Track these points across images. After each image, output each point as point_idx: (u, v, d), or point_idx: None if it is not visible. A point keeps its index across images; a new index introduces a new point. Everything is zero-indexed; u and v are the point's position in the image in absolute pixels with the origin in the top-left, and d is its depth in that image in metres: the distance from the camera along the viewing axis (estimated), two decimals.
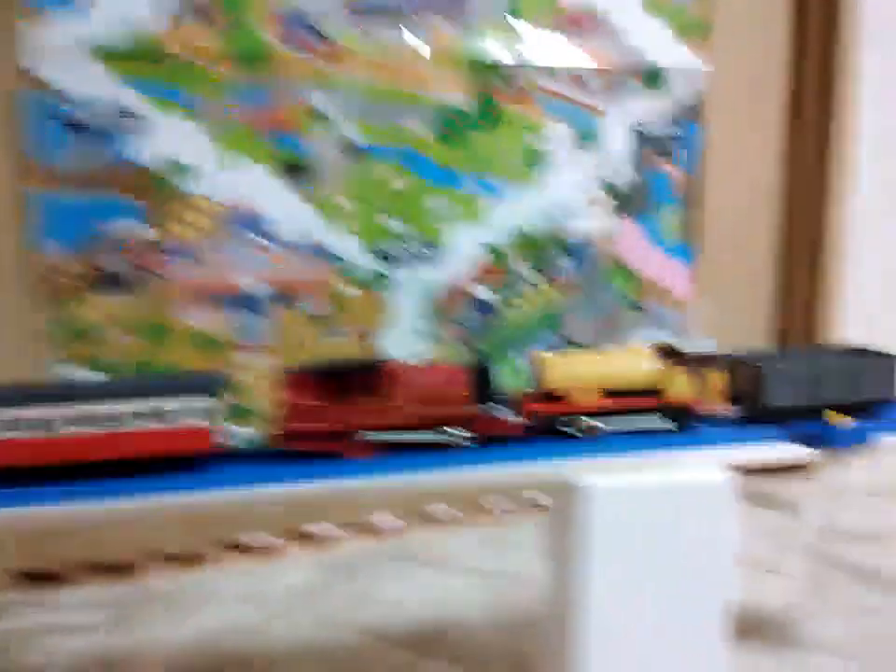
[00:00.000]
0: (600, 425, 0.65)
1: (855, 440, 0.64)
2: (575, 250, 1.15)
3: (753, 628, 0.85)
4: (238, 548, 1.09)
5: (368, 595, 0.95)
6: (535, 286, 1.13)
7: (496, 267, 1.11)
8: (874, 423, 0.67)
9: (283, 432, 0.59)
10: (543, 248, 1.13)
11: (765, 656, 0.79)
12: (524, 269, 1.13)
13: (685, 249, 1.21)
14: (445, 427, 0.61)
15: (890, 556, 1.00)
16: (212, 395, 0.57)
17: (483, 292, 1.11)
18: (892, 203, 1.34)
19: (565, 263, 1.14)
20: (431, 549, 1.07)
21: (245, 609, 0.93)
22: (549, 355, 0.67)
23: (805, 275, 1.27)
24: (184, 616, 0.91)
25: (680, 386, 0.67)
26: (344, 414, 0.60)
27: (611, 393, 0.65)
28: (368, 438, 0.60)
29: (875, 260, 1.31)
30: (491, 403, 0.63)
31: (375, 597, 0.94)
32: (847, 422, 0.64)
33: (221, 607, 0.94)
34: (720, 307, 1.22)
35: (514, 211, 1.11)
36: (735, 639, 0.83)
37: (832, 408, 0.69)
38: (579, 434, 0.64)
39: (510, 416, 0.63)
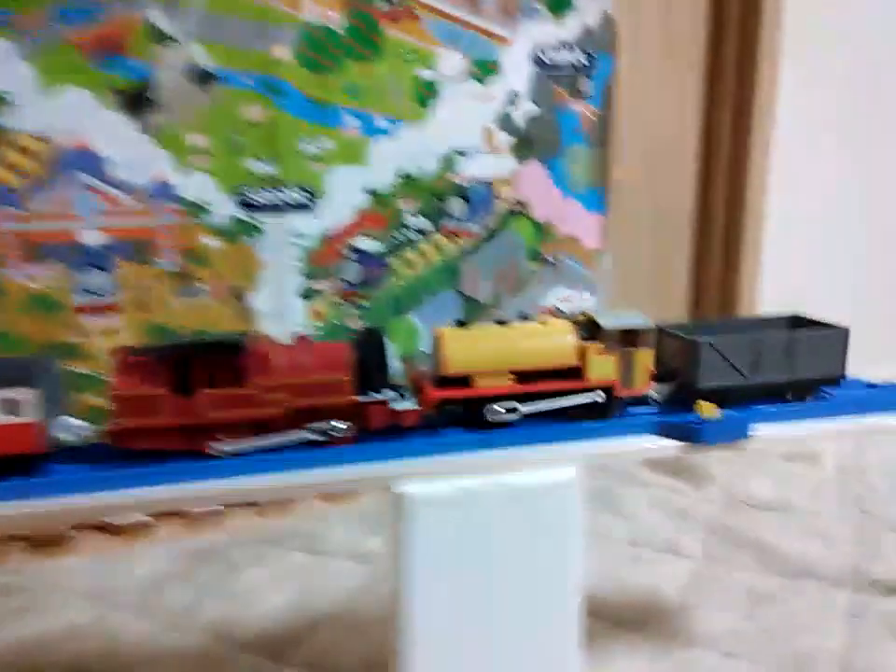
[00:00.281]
0: (512, 413, 0.55)
1: (730, 434, 0.55)
2: (471, 196, 1.03)
3: (637, 618, 0.77)
4: (103, 529, 0.98)
5: (228, 585, 0.86)
6: (427, 236, 1.02)
7: (381, 215, 0.99)
8: (753, 413, 0.58)
9: (113, 428, 0.49)
10: (435, 194, 1.01)
11: (642, 651, 0.72)
12: (413, 217, 1.01)
13: (595, 196, 1.10)
14: (318, 423, 0.52)
15: (796, 530, 0.94)
16: (35, 384, 0.48)
17: (367, 244, 0.99)
18: (815, 149, 1.25)
19: (460, 211, 1.03)
20: (309, 528, 0.98)
21: (85, 604, 0.83)
22: (449, 331, 0.57)
23: (723, 230, 1.18)
24: (13, 615, 0.80)
25: (603, 367, 0.57)
26: (188, 407, 0.50)
27: (523, 375, 0.56)
28: (218, 440, 0.50)
29: (796, 212, 1.23)
30: (385, 389, 0.54)
31: (235, 589, 0.85)
32: (716, 413, 0.55)
33: (62, 602, 0.83)
34: (631, 262, 1.13)
35: (400, 151, 0.98)
36: (615, 630, 0.77)
37: (774, 388, 0.60)
38: (488, 423, 0.55)
39: (406, 404, 0.54)
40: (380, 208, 0.99)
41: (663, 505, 1.00)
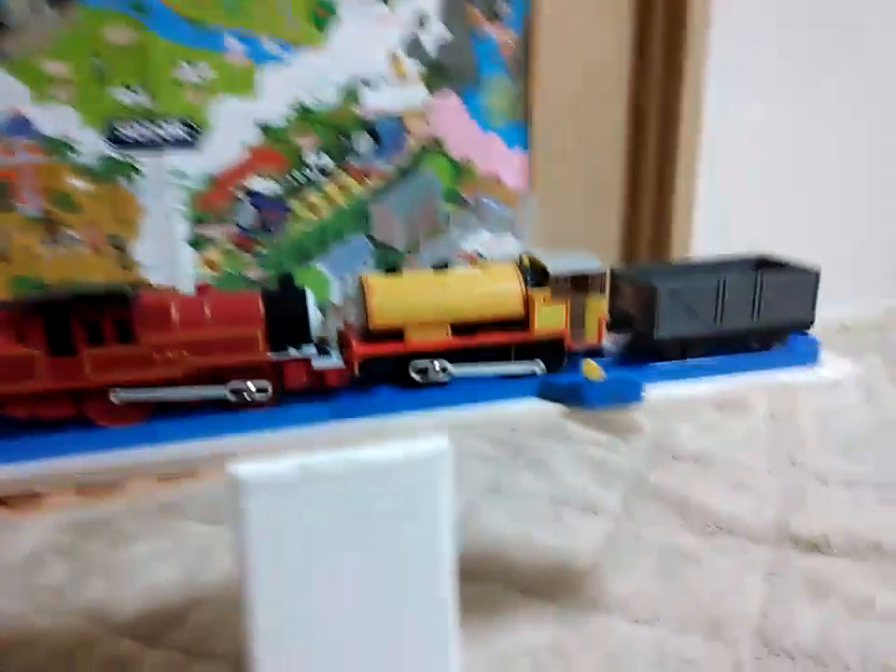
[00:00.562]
0: (447, 371, 0.49)
1: (618, 396, 0.49)
2: (379, 131, 0.94)
3: (548, 583, 0.73)
4: None
5: (114, 559, 0.79)
6: (331, 176, 0.93)
7: (276, 153, 0.90)
8: (646, 372, 0.52)
9: None
10: (337, 129, 0.91)
11: (549, 618, 0.67)
12: (314, 155, 0.91)
13: (518, 131, 1.02)
14: (234, 383, 0.46)
15: (721, 484, 0.90)
16: None
17: (262, 185, 0.90)
18: (752, 77, 1.17)
19: (367, 148, 0.94)
20: (216, 494, 0.91)
21: None
22: (377, 278, 0.50)
23: (656, 165, 1.11)
24: None
25: (551, 316, 0.51)
26: (69, 370, 0.43)
27: (461, 328, 0.50)
28: (119, 399, 0.44)
29: (732, 146, 1.16)
30: (306, 345, 0.47)
31: (121, 563, 0.78)
32: (600, 373, 0.48)
33: None
34: (558, 202, 1.05)
35: (295, 80, 0.88)
36: (523, 598, 0.72)
37: (739, 337, 0.54)
38: (419, 384, 0.50)
39: (329, 362, 0.48)
40: (275, 145, 0.89)
41: (587, 461, 0.95)
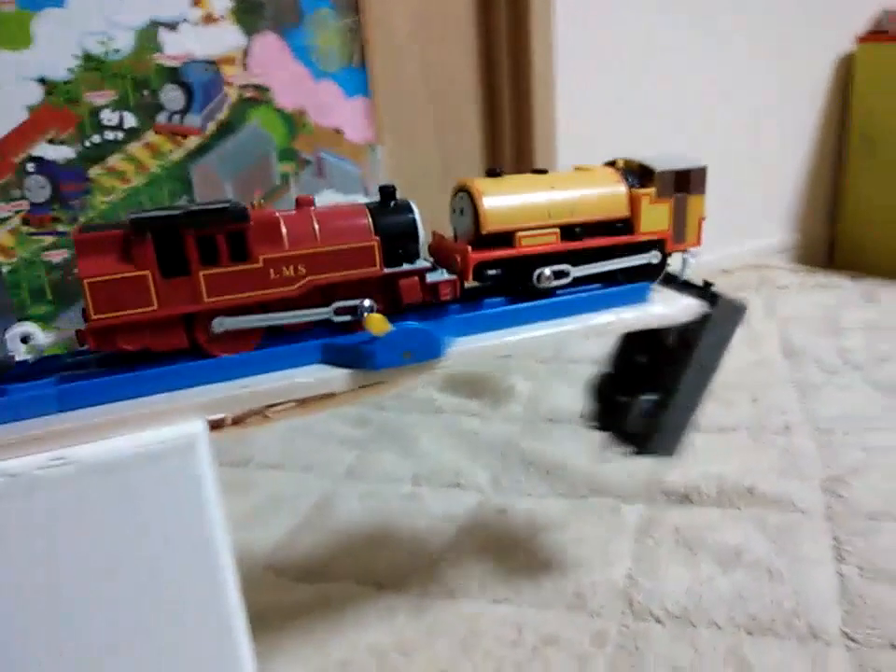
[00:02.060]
0: (565, 274, 0.47)
1: (416, 352, 0.40)
2: (189, 81, 0.82)
3: (403, 572, 0.65)
4: None
5: None
6: (136, 136, 0.81)
7: (64, 112, 0.77)
8: (446, 323, 0.43)
9: (88, 327, 0.38)
10: (136, 80, 0.80)
11: (400, 610, 0.59)
12: (112, 113, 0.79)
13: (356, 76, 0.92)
14: (346, 302, 0.42)
15: (596, 444, 0.84)
16: None
17: (51, 151, 0.78)
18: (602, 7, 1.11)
19: (177, 101, 0.82)
20: None
21: None
22: (483, 182, 0.46)
23: (512, 101, 1.03)
24: None
25: (655, 216, 0.49)
26: (182, 292, 0.39)
27: (570, 231, 0.47)
28: (223, 327, 0.40)
29: (586, 74, 1.09)
30: (416, 259, 0.44)
31: None
32: (387, 326, 0.40)
33: None
34: (408, 152, 0.96)
35: (78, 26, 0.76)
36: (376, 593, 0.64)
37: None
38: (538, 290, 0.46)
39: (440, 275, 0.45)
40: (61, 102, 0.77)
41: (454, 433, 0.88)
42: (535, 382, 0.99)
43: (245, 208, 0.40)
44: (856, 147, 1.46)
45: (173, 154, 0.83)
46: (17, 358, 0.40)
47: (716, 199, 1.33)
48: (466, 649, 0.56)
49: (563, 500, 0.74)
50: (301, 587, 0.63)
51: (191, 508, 0.38)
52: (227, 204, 0.39)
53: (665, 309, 0.49)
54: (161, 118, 0.82)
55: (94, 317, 0.37)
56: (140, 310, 0.38)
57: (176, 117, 0.82)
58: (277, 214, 0.41)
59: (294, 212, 0.42)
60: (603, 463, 0.78)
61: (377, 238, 0.42)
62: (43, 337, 0.39)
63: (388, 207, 0.44)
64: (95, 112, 0.78)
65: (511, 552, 0.66)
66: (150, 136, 0.82)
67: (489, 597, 0.61)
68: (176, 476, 0.37)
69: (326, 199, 0.94)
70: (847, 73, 1.45)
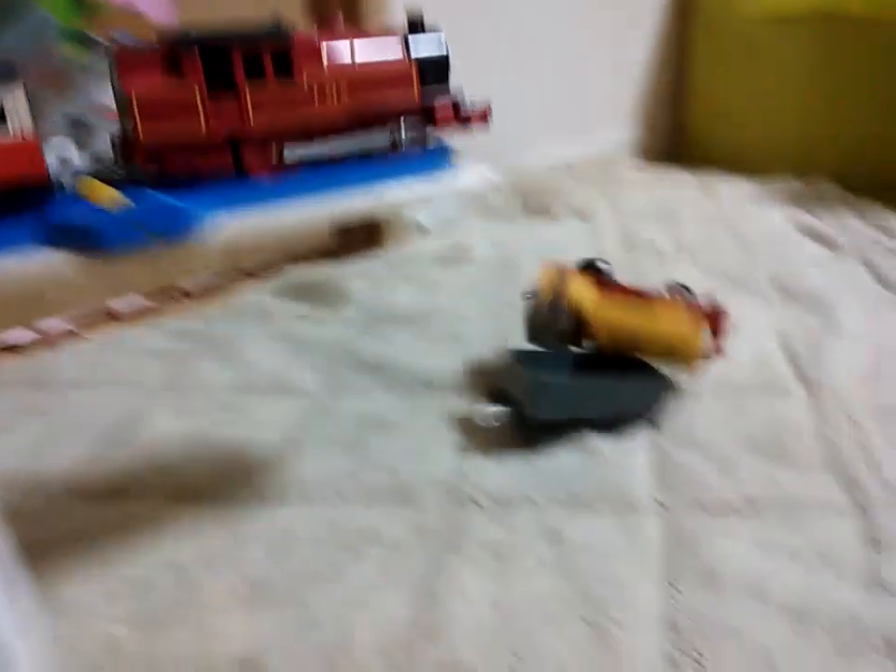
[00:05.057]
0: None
1: (157, 230, 0.34)
2: None
3: (215, 483, 0.61)
4: None
5: None
6: None
7: None
8: (207, 197, 0.38)
9: (135, 147, 0.37)
10: None
11: (207, 524, 0.55)
12: None
13: None
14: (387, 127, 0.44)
15: (429, 342, 0.82)
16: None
17: None
18: None
19: None
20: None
21: None
22: None
23: None
24: None
25: None
26: (229, 113, 0.39)
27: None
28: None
29: None
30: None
31: None
32: (116, 199, 0.34)
33: None
34: None
35: None
36: (179, 506, 0.59)
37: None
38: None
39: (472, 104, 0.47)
40: None
41: (285, 339, 0.83)
42: (372, 283, 0.95)
43: (289, 29, 0.40)
44: (700, 36, 1.46)
45: None
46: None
47: (559, 93, 1.32)
48: (277, 555, 0.53)
49: (394, 398, 0.71)
50: (101, 509, 0.58)
51: None
52: (276, 25, 0.40)
53: (463, 179, 0.45)
54: None
55: (144, 135, 0.36)
56: (187, 129, 0.38)
57: None
58: (318, 36, 0.42)
59: (335, 35, 0.43)
60: (435, 357, 0.76)
61: (414, 62, 0.44)
62: (78, 157, 0.39)
63: (419, 35, 0.45)
64: None
65: (335, 454, 0.63)
66: None
67: (307, 501, 0.58)
68: None
69: None
70: None
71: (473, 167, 0.47)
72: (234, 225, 0.38)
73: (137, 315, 0.90)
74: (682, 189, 1.29)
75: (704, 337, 0.66)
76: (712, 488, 0.57)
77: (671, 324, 0.66)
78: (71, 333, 0.87)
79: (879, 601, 0.46)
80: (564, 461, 0.61)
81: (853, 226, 1.07)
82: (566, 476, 0.59)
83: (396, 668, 0.43)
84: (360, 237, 1.06)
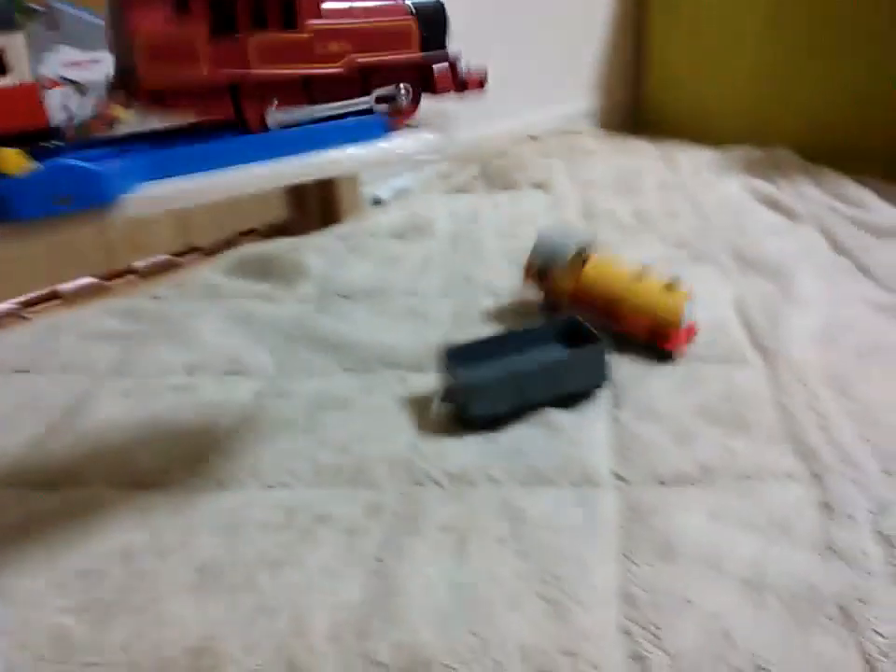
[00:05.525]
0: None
1: (72, 197, 0.32)
2: None
3: (161, 472, 0.59)
4: None
5: None
6: None
7: None
8: (126, 163, 0.36)
9: (144, 79, 0.36)
10: None
11: (158, 512, 0.53)
12: None
13: None
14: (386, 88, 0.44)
15: (386, 318, 0.80)
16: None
17: None
18: None
19: None
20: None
21: None
22: None
23: None
24: None
25: None
26: (232, 57, 0.38)
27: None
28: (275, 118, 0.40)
29: None
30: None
31: None
32: (25, 166, 0.32)
33: None
34: None
35: None
36: (129, 493, 0.57)
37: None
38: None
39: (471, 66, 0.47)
40: None
41: (238, 318, 0.81)
42: (328, 258, 0.93)
43: None
44: (657, 6, 1.45)
45: None
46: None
47: (520, 64, 1.30)
48: (230, 540, 0.51)
49: (351, 377, 0.70)
50: (45, 497, 0.56)
51: None
52: None
53: (400, 145, 0.43)
54: None
55: (146, 75, 0.36)
56: (190, 70, 0.37)
57: None
58: None
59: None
60: (394, 333, 0.75)
61: (414, 18, 0.44)
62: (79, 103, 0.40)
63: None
64: None
65: (290, 435, 0.62)
66: None
67: (261, 484, 0.57)
68: None
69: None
70: None
71: (414, 134, 0.45)
72: (153, 192, 0.36)
73: (85, 295, 0.87)
74: (642, 158, 1.29)
75: (687, 309, 0.67)
76: (669, 460, 0.57)
77: (655, 294, 0.67)
78: (14, 314, 0.84)
79: (833, 568, 0.47)
80: (523, 436, 0.60)
81: (810, 194, 1.08)
82: (525, 451, 0.58)
83: (352, 652, 0.43)
84: (315, 211, 1.03)
